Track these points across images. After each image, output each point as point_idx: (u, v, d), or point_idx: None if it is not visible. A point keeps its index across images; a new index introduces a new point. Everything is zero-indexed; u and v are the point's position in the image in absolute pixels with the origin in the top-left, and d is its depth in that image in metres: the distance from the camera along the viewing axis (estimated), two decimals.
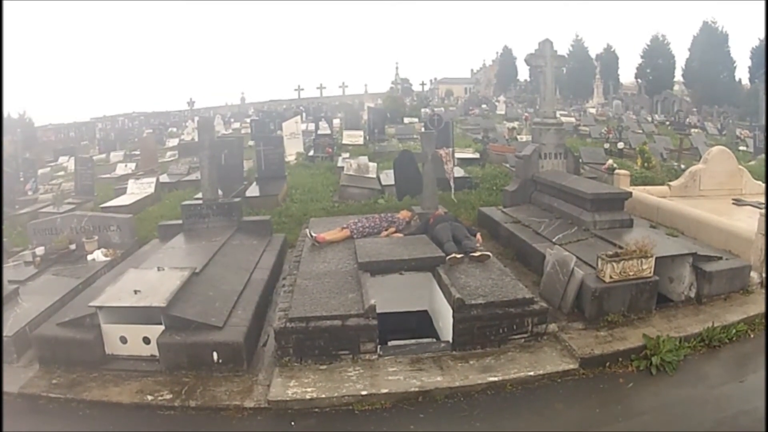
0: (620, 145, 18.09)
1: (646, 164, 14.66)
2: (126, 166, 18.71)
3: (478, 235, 7.60)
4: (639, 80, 46.18)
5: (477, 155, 16.70)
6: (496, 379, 4.98)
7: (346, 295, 5.83)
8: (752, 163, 16.37)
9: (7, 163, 15.73)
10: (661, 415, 4.54)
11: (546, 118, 10.66)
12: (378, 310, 5.44)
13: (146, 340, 5.51)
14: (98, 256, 8.20)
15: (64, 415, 4.82)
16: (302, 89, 48.31)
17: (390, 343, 5.61)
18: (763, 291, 6.62)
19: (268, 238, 8.91)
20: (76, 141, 35.47)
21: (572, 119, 28.30)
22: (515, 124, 25.58)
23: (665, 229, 8.43)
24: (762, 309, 6.12)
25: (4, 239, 9.27)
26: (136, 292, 5.66)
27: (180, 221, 9.00)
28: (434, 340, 5.89)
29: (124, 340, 5.57)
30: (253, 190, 12.59)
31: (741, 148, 20.69)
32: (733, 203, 10.02)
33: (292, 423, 4.59)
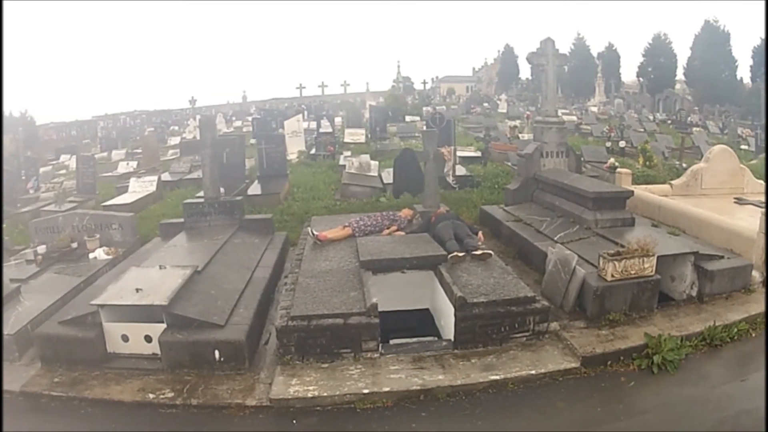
0: (622, 143, 18.07)
1: (647, 163, 14.67)
2: (128, 164, 18.73)
3: (480, 234, 7.59)
4: (641, 79, 46.17)
5: (479, 154, 16.72)
6: (497, 377, 4.97)
7: (347, 293, 5.83)
8: (754, 162, 16.34)
9: (9, 162, 15.76)
10: (663, 414, 4.53)
11: (548, 116, 10.64)
12: (380, 309, 5.43)
13: (148, 339, 5.51)
14: (100, 254, 8.20)
15: (66, 414, 4.82)
16: (304, 87, 48.36)
17: (392, 342, 5.61)
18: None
19: (270, 237, 8.91)
20: (77, 139, 35.48)
21: (574, 118, 28.30)
22: (517, 122, 25.58)
23: (667, 227, 8.42)
24: (764, 308, 6.12)
25: (6, 238, 9.29)
26: (137, 290, 5.67)
27: (182, 219, 9.00)
28: (436, 338, 5.89)
29: (125, 338, 5.58)
30: (254, 189, 12.61)
31: (743, 147, 20.64)
32: (735, 202, 10.00)
33: (294, 421, 4.59)
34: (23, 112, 38.74)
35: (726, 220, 8.14)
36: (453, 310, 5.50)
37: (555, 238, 7.75)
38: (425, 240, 7.16)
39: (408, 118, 28.04)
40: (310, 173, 14.82)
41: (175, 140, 27.39)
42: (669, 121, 30.26)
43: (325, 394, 4.78)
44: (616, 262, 5.91)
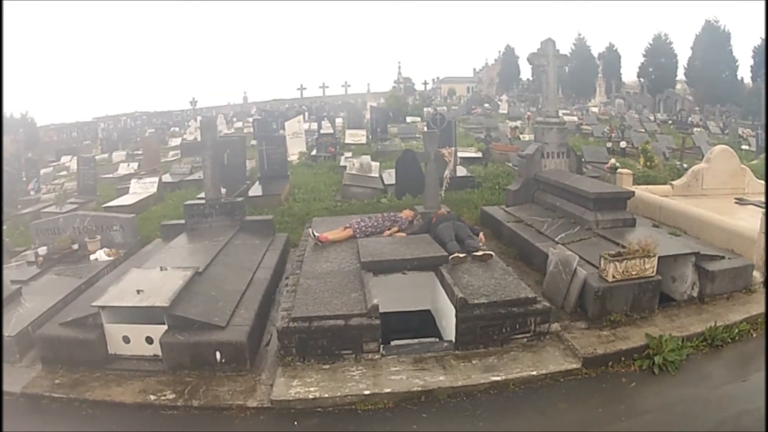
0: (623, 144, 18.08)
1: (648, 163, 14.66)
2: (128, 165, 18.75)
3: (481, 235, 7.59)
4: (641, 79, 46.19)
5: (479, 154, 16.71)
6: (498, 378, 4.97)
7: (348, 294, 5.83)
8: (755, 162, 16.31)
9: (10, 163, 15.77)
10: (664, 415, 4.53)
11: (548, 117, 10.64)
12: (381, 310, 5.44)
13: (149, 340, 5.51)
14: (101, 255, 8.21)
15: (67, 415, 4.82)
16: (305, 88, 48.18)
17: (393, 343, 5.61)
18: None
19: (271, 238, 8.91)
20: (78, 141, 35.57)
21: (575, 118, 28.28)
22: (518, 123, 25.57)
23: (668, 228, 8.42)
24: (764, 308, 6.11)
25: (7, 239, 9.30)
26: (138, 291, 5.67)
27: (183, 221, 9.00)
28: (437, 339, 5.90)
29: (126, 339, 5.58)
30: (255, 190, 12.61)
31: (743, 147, 20.62)
32: (736, 202, 10.00)
33: (295, 423, 4.59)
34: (24, 114, 38.91)
35: (727, 220, 8.14)
36: (454, 311, 5.50)
37: (556, 239, 7.75)
38: (426, 241, 7.15)
39: (409, 119, 28.03)
40: (311, 174, 14.82)
41: (175, 141, 27.41)
42: (670, 122, 30.26)
43: (326, 395, 4.78)
44: (617, 263, 5.91)
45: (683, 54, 44.67)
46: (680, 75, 45.44)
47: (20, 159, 18.44)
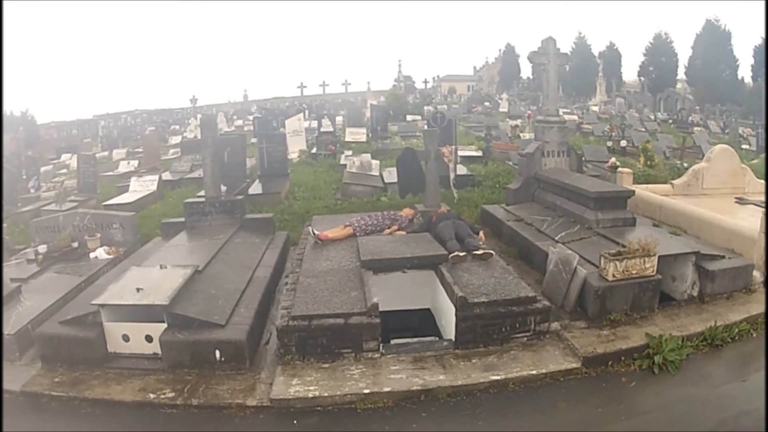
0: (623, 143, 18.06)
1: (648, 162, 14.65)
2: (129, 163, 18.73)
3: (481, 233, 7.59)
4: (642, 78, 46.21)
5: (480, 153, 16.69)
6: (498, 377, 4.97)
7: (348, 293, 5.83)
8: (755, 161, 16.31)
9: (10, 161, 15.76)
10: (664, 415, 4.53)
11: (549, 115, 10.63)
12: (380, 309, 5.44)
13: (149, 338, 5.51)
14: (101, 254, 8.21)
15: (67, 414, 4.82)
16: (305, 87, 48.13)
17: (392, 342, 5.61)
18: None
19: (271, 236, 8.91)
20: (78, 138, 35.46)
21: (575, 117, 28.26)
22: (518, 121, 25.53)
23: (668, 227, 8.42)
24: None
25: (7, 237, 9.29)
26: (138, 290, 5.67)
27: (182, 219, 9.00)
28: (437, 338, 5.89)
29: (126, 338, 5.58)
30: (255, 188, 12.61)
31: (744, 146, 20.62)
32: (736, 202, 10.00)
33: (295, 421, 4.59)
34: (24, 111, 38.82)
35: (727, 219, 8.14)
36: (454, 309, 5.50)
37: (556, 238, 7.74)
38: (426, 240, 7.15)
39: (409, 117, 28.02)
40: (311, 172, 14.82)
41: (176, 139, 27.38)
42: (670, 121, 30.26)
43: (326, 394, 4.78)
44: (617, 262, 5.90)
45: (684, 53, 44.80)
46: (681, 74, 45.50)
47: (20, 157, 18.42)
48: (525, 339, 5.57)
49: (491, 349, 5.46)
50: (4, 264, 7.76)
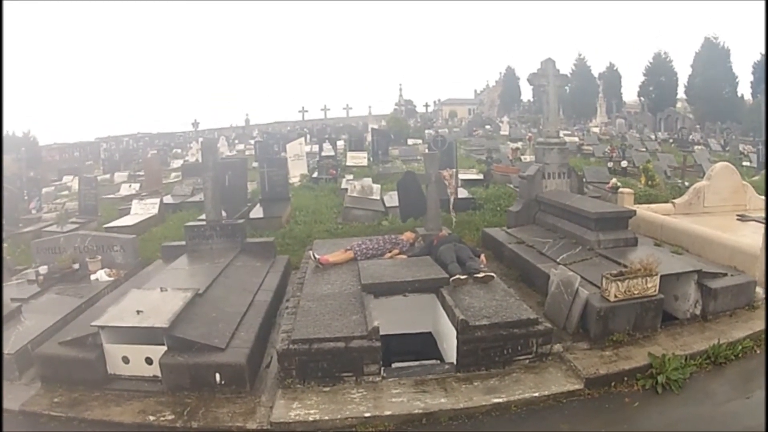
0: (624, 163, 18.10)
1: (650, 182, 14.69)
2: (130, 186, 18.83)
3: (482, 256, 7.59)
4: (642, 98, 46.53)
5: (481, 176, 16.74)
6: (500, 400, 4.93)
7: (349, 316, 5.81)
8: (756, 178, 16.35)
9: (12, 182, 15.88)
10: None
11: (549, 137, 10.68)
12: (381, 332, 5.41)
13: (149, 361, 5.48)
14: (101, 275, 8.21)
15: None
16: (306, 111, 48.42)
17: (394, 365, 5.59)
18: None
19: (272, 260, 8.89)
20: (80, 161, 35.72)
21: (575, 139, 28.39)
22: (519, 144, 25.67)
23: (670, 246, 8.40)
24: None
25: (8, 257, 9.30)
26: (138, 312, 5.65)
27: (183, 242, 8.99)
28: (438, 361, 5.86)
29: (126, 360, 5.55)
30: (257, 212, 12.61)
31: (744, 163, 20.69)
32: (738, 219, 9.99)
33: None
34: (26, 133, 39.25)
35: (729, 237, 8.12)
36: (455, 332, 5.47)
37: (557, 260, 7.72)
38: (427, 263, 7.14)
39: (410, 141, 28.21)
40: (312, 196, 14.84)
41: (177, 163, 27.49)
42: (671, 140, 30.39)
43: (327, 417, 4.73)
44: (619, 283, 5.88)
45: (683, 72, 45.18)
46: (680, 93, 45.84)
47: (22, 178, 18.54)
48: (527, 361, 5.53)
49: (493, 371, 5.42)
50: (5, 284, 7.78)
